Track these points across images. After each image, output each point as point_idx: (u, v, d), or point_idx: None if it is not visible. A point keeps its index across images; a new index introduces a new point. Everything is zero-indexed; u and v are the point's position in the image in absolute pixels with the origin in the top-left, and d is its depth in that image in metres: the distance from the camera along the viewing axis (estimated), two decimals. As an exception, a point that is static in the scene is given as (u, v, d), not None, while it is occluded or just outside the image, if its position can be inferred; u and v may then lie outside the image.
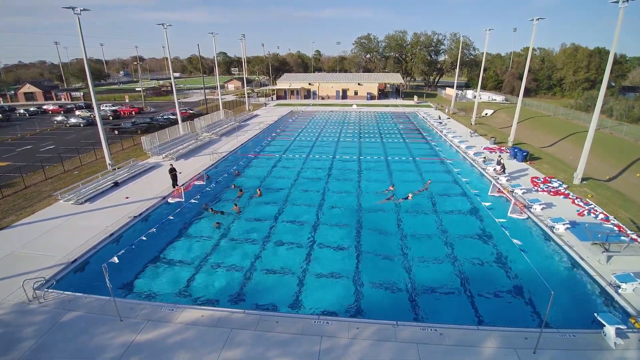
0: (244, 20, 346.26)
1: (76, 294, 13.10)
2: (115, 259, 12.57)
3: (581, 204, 20.56)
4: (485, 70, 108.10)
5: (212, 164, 28.75)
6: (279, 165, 29.33)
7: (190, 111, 55.83)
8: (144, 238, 15.95)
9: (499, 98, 78.21)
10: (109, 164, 27.54)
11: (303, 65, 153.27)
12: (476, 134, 38.91)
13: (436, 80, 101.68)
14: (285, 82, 76.05)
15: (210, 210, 19.92)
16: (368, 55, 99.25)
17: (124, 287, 13.96)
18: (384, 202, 21.82)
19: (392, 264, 15.49)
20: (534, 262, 14.42)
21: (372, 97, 74.14)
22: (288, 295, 13.39)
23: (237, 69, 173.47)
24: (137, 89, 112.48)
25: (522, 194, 21.91)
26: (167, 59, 32.53)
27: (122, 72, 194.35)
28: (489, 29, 44.60)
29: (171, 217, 18.96)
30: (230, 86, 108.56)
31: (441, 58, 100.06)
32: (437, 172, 27.48)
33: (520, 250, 15.31)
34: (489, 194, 22.41)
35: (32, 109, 67.62)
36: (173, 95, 37.73)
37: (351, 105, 64.57)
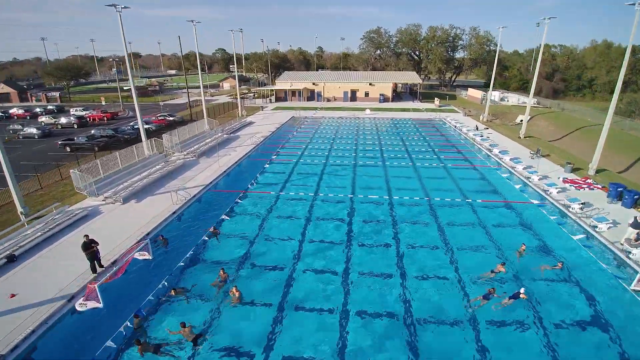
0: (244, 17, 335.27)
1: None
2: None
3: None
4: (506, 68, 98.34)
5: (175, 212, 19.36)
6: (275, 212, 19.96)
7: (171, 118, 46.46)
8: None
9: (529, 100, 68.41)
10: (22, 213, 18.30)
11: (305, 62, 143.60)
12: (539, 155, 29.39)
13: (453, 79, 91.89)
14: (285, 82, 66.52)
15: (139, 349, 10.45)
16: (378, 52, 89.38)
17: None
18: (485, 302, 12.52)
19: None
20: None
21: (385, 99, 64.57)
22: None
23: (235, 65, 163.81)
24: (125, 87, 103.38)
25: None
26: (126, 51, 23.29)
27: (114, 70, 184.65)
28: (548, 18, 34.93)
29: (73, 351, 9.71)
30: (226, 85, 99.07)
31: (458, 55, 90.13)
32: (513, 227, 18.13)
33: None
34: (632, 287, 13.06)
35: (-2, 112, 58.46)
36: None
37: (364, 109, 55.06)
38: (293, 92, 66.64)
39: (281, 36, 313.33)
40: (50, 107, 64.49)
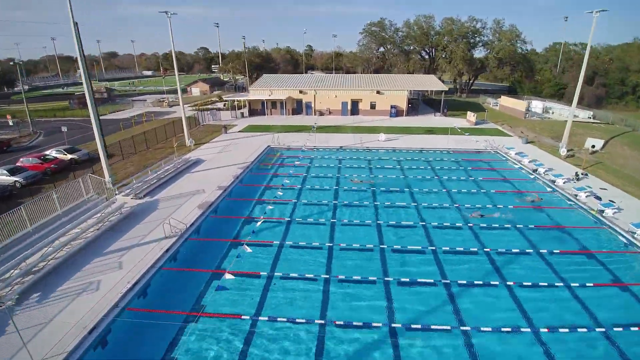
0: (231, 13, 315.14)
1: None
2: None
3: None
4: (534, 71, 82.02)
5: None
6: None
7: (70, 156, 28.66)
8: None
9: (582, 114, 52.36)
10: None
11: (292, 62, 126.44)
12: None
13: (471, 83, 75.64)
14: (263, 89, 49.16)
15: None
16: (381, 49, 72.46)
17: None
18: None
19: None
20: None
21: (397, 113, 47.89)
22: None
23: (218, 65, 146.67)
24: (76, 92, 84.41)
25: None
26: None
27: (79, 71, 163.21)
28: None
29: None
30: (196, 90, 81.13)
31: (477, 53, 73.88)
32: None
33: None
34: None
35: None
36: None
37: (375, 130, 38.17)
38: (274, 103, 49.40)
39: (268, 34, 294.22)
40: None
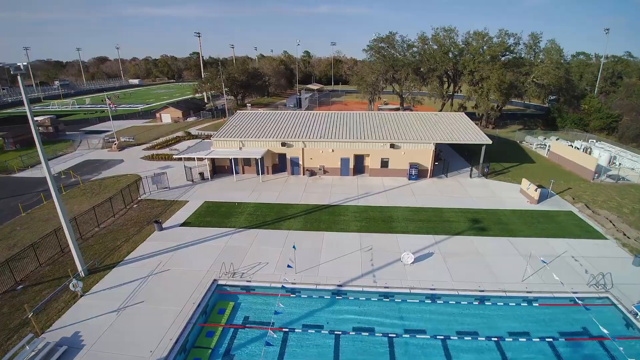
0: (228, 18, 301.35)
1: None
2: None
3: None
4: (578, 98, 67.00)
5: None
6: None
7: None
8: None
9: (662, 165, 38.40)
10: None
11: (287, 73, 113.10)
12: None
13: (499, 109, 61.92)
14: (230, 140, 35.51)
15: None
16: (392, 70, 58.39)
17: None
18: None
19: None
20: None
21: (417, 174, 34.45)
22: None
23: (204, 75, 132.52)
24: (36, 118, 70.51)
25: None
26: None
27: (57, 82, 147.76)
28: None
29: None
30: (165, 117, 67.55)
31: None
32: None
33: None
34: None
35: None
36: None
37: (389, 214, 24.75)
38: (247, 161, 35.96)
39: (265, 38, 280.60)
40: None
